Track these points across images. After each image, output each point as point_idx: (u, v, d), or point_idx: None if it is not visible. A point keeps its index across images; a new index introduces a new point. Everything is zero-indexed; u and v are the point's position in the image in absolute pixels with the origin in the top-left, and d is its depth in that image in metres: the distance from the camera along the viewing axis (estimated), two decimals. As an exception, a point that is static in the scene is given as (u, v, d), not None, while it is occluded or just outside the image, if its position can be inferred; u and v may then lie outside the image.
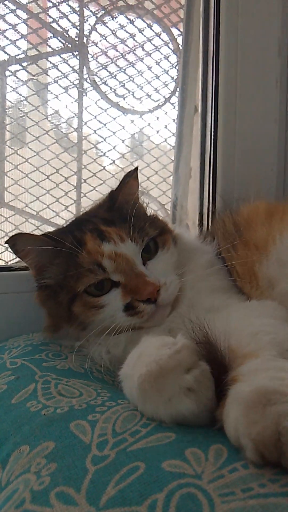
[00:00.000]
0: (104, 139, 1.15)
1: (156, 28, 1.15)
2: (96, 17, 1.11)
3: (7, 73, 1.04)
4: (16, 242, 0.68)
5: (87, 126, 1.14)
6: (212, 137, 1.07)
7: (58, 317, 0.69)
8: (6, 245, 0.70)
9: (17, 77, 1.05)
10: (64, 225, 0.84)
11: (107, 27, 1.11)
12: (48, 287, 0.70)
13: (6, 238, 0.99)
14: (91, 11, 1.10)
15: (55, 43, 1.09)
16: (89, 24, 1.11)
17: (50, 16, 1.07)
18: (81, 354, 0.65)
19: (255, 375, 0.41)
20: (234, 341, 0.49)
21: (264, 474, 0.34)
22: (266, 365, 0.43)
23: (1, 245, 1.01)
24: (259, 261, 0.67)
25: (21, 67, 1.05)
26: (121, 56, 1.13)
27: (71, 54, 1.11)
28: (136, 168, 0.77)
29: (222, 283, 0.69)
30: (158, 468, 0.34)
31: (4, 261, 1.02)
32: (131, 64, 1.14)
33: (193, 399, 0.42)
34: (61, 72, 1.09)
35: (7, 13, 1.00)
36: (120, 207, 0.72)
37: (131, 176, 0.75)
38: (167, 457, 0.36)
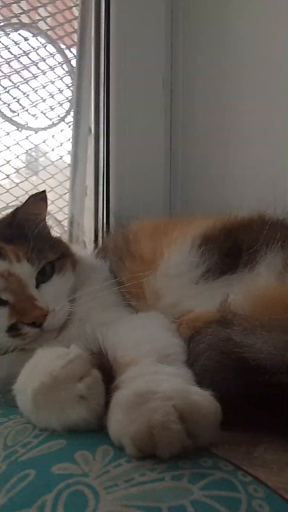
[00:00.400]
0: (-2, 154, 1.13)
1: (51, 48, 1.17)
2: (-11, 31, 1.10)
3: None
4: None
5: (-21, 140, 1.11)
6: (105, 157, 1.13)
7: None
8: None
9: None
10: None
11: (1, 42, 1.11)
12: None
13: None
14: (-17, 24, 1.09)
15: None
16: (-19, 38, 1.10)
17: None
18: None
19: (134, 381, 0.45)
20: (119, 352, 0.52)
21: (144, 465, 0.38)
22: (143, 370, 0.47)
23: None
24: (146, 274, 0.71)
25: None
26: (15, 72, 1.13)
27: None
28: (44, 191, 0.76)
29: (112, 299, 0.72)
30: (48, 472, 0.36)
31: None
32: (26, 81, 1.15)
33: (85, 406, 0.44)
34: None
35: None
36: (21, 225, 0.71)
37: (36, 197, 0.75)
38: (57, 462, 0.38)
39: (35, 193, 0.76)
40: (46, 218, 0.77)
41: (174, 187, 1.20)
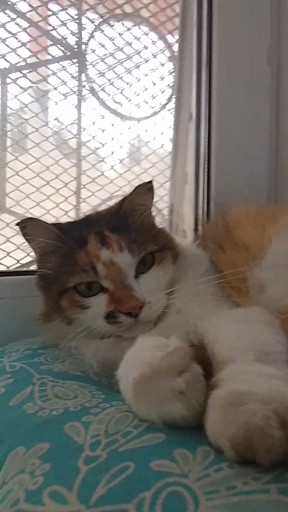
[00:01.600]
0: (103, 145, 1.17)
1: (152, 35, 1.17)
2: (94, 25, 1.13)
3: (8, 80, 1.06)
4: (26, 225, 0.71)
5: (86, 133, 1.16)
6: (206, 143, 1.09)
7: (49, 307, 0.71)
8: (17, 227, 0.72)
9: (17, 85, 1.07)
10: (78, 219, 0.85)
11: (105, 34, 1.13)
12: (45, 276, 0.72)
13: (7, 244, 1.02)
14: (89, 19, 1.12)
15: (54, 51, 1.11)
16: (87, 32, 1.13)
17: (49, 24, 1.09)
18: (78, 357, 0.67)
19: (231, 380, 0.43)
20: (217, 347, 0.51)
21: (248, 473, 0.35)
22: (241, 369, 0.45)
23: (2, 250, 1.03)
24: (250, 264, 0.67)
25: (22, 75, 1.07)
26: (118, 63, 1.15)
27: (70, 61, 1.13)
28: (150, 182, 0.77)
29: (211, 291, 0.69)
30: (147, 467, 0.36)
31: (5, 265, 1.04)
32: (128, 71, 1.16)
33: (184, 403, 0.43)
34: (61, 79, 1.11)
35: (7, 22, 1.03)
36: (125, 215, 0.73)
37: (143, 187, 0.75)
38: (156, 457, 0.38)
39: (142, 184, 0.76)
40: (151, 208, 0.78)
41: (280, 174, 1.12)
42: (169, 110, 1.20)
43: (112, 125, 1.17)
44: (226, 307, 0.67)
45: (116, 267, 0.66)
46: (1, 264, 1.03)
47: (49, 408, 0.50)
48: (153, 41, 1.17)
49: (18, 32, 1.04)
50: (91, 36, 1.14)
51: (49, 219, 1.10)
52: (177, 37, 1.15)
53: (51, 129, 1.13)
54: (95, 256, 0.66)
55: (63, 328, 0.69)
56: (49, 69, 1.10)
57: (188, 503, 0.32)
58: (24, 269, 1.04)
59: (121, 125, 1.18)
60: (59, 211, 1.11)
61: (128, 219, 0.72)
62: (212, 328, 0.55)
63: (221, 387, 0.43)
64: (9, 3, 1.02)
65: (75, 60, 1.13)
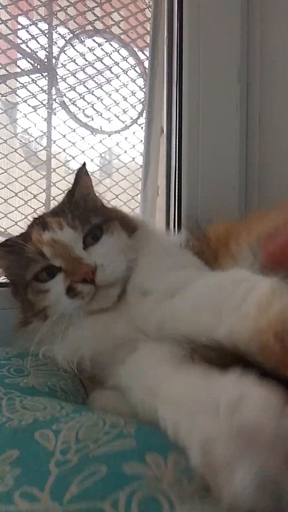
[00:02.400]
0: (73, 158, 1.17)
1: (124, 52, 1.19)
2: (65, 40, 1.15)
3: (-24, 92, 1.05)
4: None
5: (56, 145, 1.16)
6: (177, 157, 1.11)
7: (24, 310, 0.72)
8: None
9: (-15, 96, 1.07)
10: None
11: (76, 49, 1.15)
12: (13, 283, 0.75)
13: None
14: (59, 34, 1.14)
15: (24, 64, 1.11)
16: (58, 47, 1.15)
17: (19, 38, 1.10)
18: (45, 369, 0.65)
19: None
20: None
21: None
22: None
23: None
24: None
25: (-10, 86, 1.07)
26: (89, 78, 1.17)
27: (40, 74, 1.13)
28: (83, 165, 0.82)
29: (189, 261, 0.69)
30: (119, 470, 0.35)
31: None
32: (99, 86, 1.18)
33: None
34: (30, 92, 1.11)
35: (-24, 34, 1.02)
36: (75, 202, 0.76)
37: (82, 171, 0.80)
38: (128, 461, 0.36)
39: (79, 169, 0.81)
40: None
41: (250, 187, 1.15)
42: (140, 124, 1.22)
43: (83, 138, 1.17)
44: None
45: (59, 244, 0.67)
46: None
47: (18, 419, 0.48)
48: (124, 57, 1.19)
49: (-13, 44, 1.04)
50: (62, 50, 1.15)
51: (18, 230, 1.07)
52: (148, 54, 1.17)
53: (20, 141, 1.12)
54: (38, 241, 0.68)
55: (40, 328, 0.67)
56: (18, 81, 1.10)
57: (163, 504, 0.31)
58: None
59: (92, 138, 1.19)
60: (27, 222, 1.08)
61: (76, 204, 0.75)
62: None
63: None
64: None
65: (45, 74, 1.14)
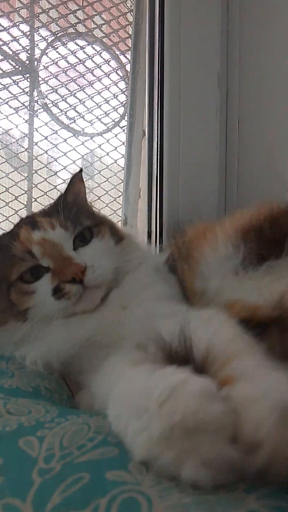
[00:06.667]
0: (55, 159, 1.17)
1: (105, 55, 1.20)
2: (47, 42, 1.14)
3: None
4: None
5: (38, 147, 1.16)
6: (158, 159, 1.13)
7: (3, 311, 0.70)
8: None
9: None
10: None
11: (58, 52, 1.15)
12: None
13: None
14: (41, 36, 1.14)
15: (5, 66, 1.11)
16: (39, 49, 1.15)
17: (0, 39, 1.09)
18: (29, 370, 0.66)
19: (251, 381, 0.41)
20: (210, 347, 0.48)
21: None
22: (254, 368, 0.44)
23: None
24: (195, 273, 0.70)
25: (-29, 88, 1.06)
26: (71, 80, 1.17)
27: (21, 76, 1.13)
28: (80, 171, 0.82)
29: (171, 291, 0.71)
30: (102, 478, 0.36)
31: None
32: (82, 89, 1.18)
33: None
34: (12, 94, 1.11)
35: None
36: (66, 205, 0.75)
37: (77, 176, 0.80)
38: (111, 469, 0.38)
39: (74, 175, 0.80)
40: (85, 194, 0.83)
41: (229, 189, 1.18)
42: (122, 127, 1.23)
43: (65, 140, 1.18)
44: (188, 308, 0.66)
45: (50, 243, 0.66)
46: None
47: (2, 424, 0.48)
48: (106, 60, 1.20)
49: None
50: (44, 52, 1.15)
51: (-1, 232, 1.08)
52: (130, 57, 1.18)
53: (1, 142, 1.12)
54: (28, 240, 0.67)
55: (16, 328, 0.67)
56: (0, 83, 1.10)
57: (142, 505, 0.33)
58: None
59: (74, 140, 1.19)
60: (8, 224, 1.09)
61: (67, 206, 0.74)
62: (198, 328, 0.53)
63: (242, 382, 0.41)
64: None
65: (27, 75, 1.14)
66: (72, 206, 0.73)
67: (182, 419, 0.35)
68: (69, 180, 0.80)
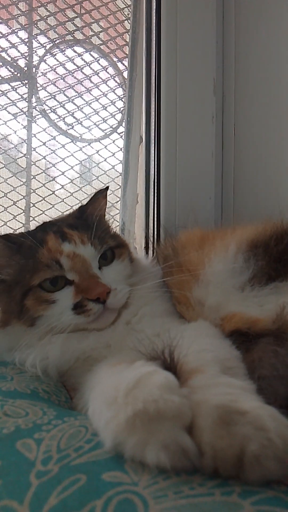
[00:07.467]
0: (54, 165, 1.18)
1: (103, 62, 1.21)
2: (45, 49, 1.16)
3: None
4: None
5: (36, 152, 1.17)
6: (156, 165, 1.14)
7: (9, 312, 0.70)
8: None
9: None
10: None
11: (56, 59, 1.16)
12: (3, 282, 0.71)
13: None
14: (40, 43, 1.15)
15: (4, 72, 1.12)
16: (38, 55, 1.16)
17: (-1, 46, 1.10)
18: (28, 375, 0.66)
19: (208, 389, 0.43)
20: (181, 357, 0.51)
21: (194, 480, 0.37)
22: (214, 380, 0.45)
23: None
24: (191, 283, 0.71)
25: None
26: (69, 87, 1.18)
27: (20, 83, 1.14)
28: (107, 188, 0.83)
29: (165, 307, 0.73)
30: (98, 479, 0.37)
31: None
32: (79, 95, 1.19)
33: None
34: (10, 100, 1.12)
35: None
36: (86, 218, 0.77)
37: (102, 193, 0.81)
38: (108, 470, 0.38)
39: (99, 190, 0.82)
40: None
41: (226, 194, 1.19)
42: (119, 133, 1.24)
43: (63, 146, 1.19)
44: (178, 323, 0.69)
45: (80, 258, 0.68)
46: None
47: (0, 427, 0.49)
48: (103, 67, 1.21)
49: None
50: (42, 59, 1.16)
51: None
52: (127, 64, 1.20)
53: (0, 147, 1.13)
54: (57, 250, 0.68)
55: (20, 333, 0.68)
56: (-2, 89, 1.11)
57: (138, 507, 0.33)
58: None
59: (72, 146, 1.21)
60: (7, 229, 1.10)
61: (88, 220, 0.76)
62: (177, 339, 0.56)
63: (197, 394, 0.43)
64: None
65: (25, 82, 1.15)
66: (99, 224, 0.74)
67: (143, 407, 0.38)
68: (92, 194, 0.81)
